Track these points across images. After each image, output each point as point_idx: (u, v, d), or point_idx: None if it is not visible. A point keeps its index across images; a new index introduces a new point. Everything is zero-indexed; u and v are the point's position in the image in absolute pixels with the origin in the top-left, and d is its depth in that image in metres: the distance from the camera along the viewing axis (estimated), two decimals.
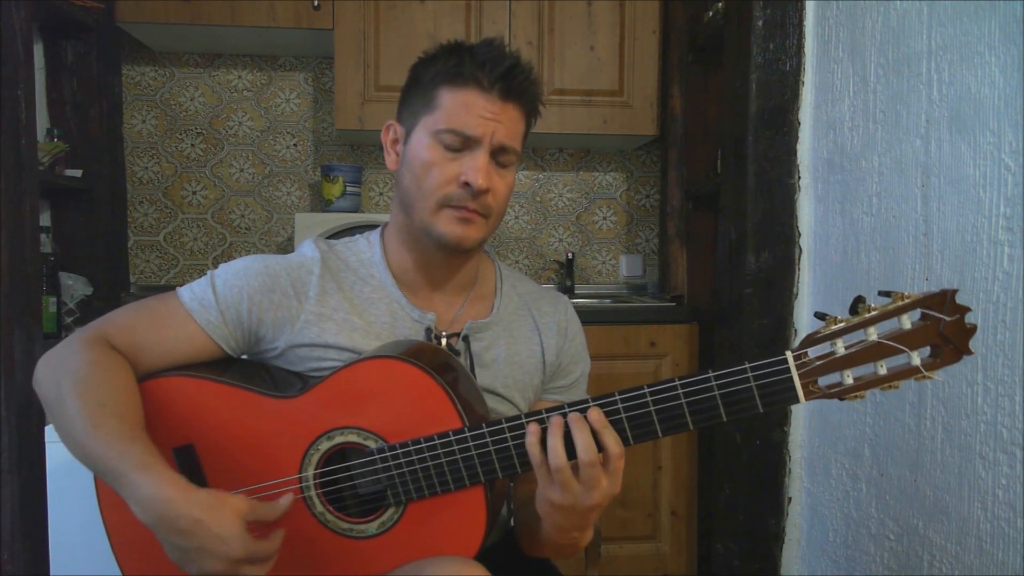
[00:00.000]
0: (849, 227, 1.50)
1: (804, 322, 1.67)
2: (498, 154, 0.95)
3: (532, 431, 0.83)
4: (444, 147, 0.94)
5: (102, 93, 2.22)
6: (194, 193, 2.52)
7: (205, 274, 0.99)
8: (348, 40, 2.23)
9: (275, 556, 0.83)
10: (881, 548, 1.40)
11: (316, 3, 2.17)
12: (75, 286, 2.00)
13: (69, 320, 1.99)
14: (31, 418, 1.61)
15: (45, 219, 2.13)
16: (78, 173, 2.11)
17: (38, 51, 2.11)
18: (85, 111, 2.18)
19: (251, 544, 0.79)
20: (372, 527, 0.90)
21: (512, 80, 0.94)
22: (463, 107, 0.93)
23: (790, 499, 1.70)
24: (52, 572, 1.44)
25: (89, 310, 2.02)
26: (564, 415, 0.83)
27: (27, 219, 1.60)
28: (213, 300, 0.95)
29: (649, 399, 0.82)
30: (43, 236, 1.94)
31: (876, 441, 1.42)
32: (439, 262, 1.01)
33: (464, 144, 0.94)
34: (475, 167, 0.93)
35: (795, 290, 1.66)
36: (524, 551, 1.02)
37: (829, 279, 1.58)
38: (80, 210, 2.16)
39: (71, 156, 2.12)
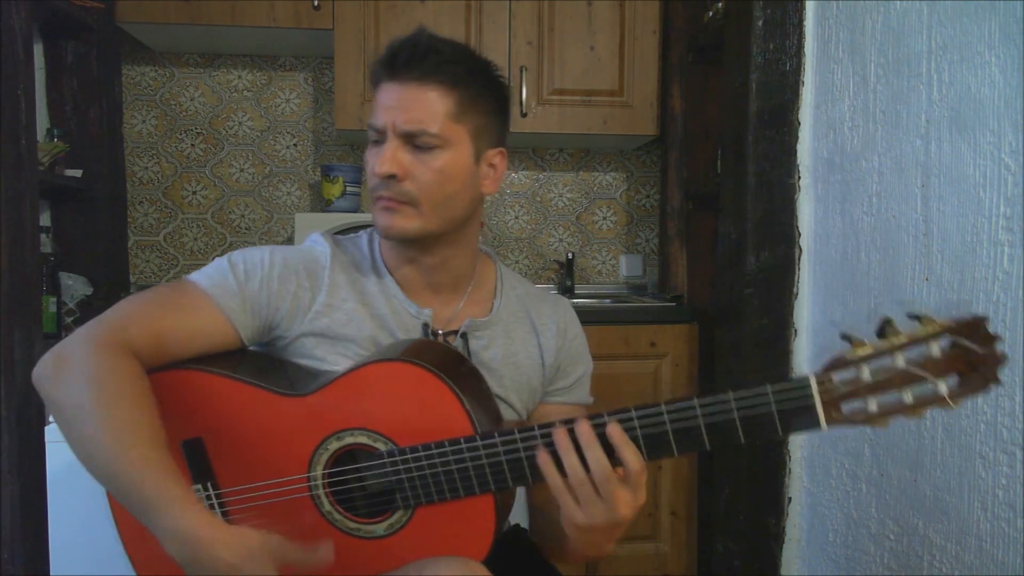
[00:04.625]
0: (849, 227, 1.50)
1: (804, 322, 1.67)
2: (412, 139, 0.94)
3: (544, 461, 0.82)
4: (372, 145, 0.97)
5: (102, 93, 2.22)
6: (194, 193, 2.52)
7: (213, 261, 0.99)
8: (348, 40, 2.22)
9: None
10: (881, 548, 1.40)
11: (316, 3, 2.17)
12: (75, 286, 2.00)
13: (69, 320, 1.99)
14: (31, 418, 1.60)
15: (45, 219, 2.13)
16: (78, 173, 2.11)
17: (38, 51, 2.11)
18: (85, 111, 2.18)
19: None
20: (380, 528, 0.89)
21: (396, 61, 0.94)
22: (376, 105, 0.96)
23: (790, 499, 1.70)
24: (52, 572, 1.44)
25: (89, 310, 2.02)
26: (571, 430, 0.82)
27: (27, 219, 1.60)
28: (235, 286, 0.95)
29: (666, 418, 0.80)
30: (43, 236, 1.94)
31: (876, 441, 1.42)
32: (411, 255, 1.01)
33: (380, 138, 0.96)
34: (379, 156, 0.94)
35: (795, 290, 1.66)
36: (546, 559, 1.04)
37: (829, 279, 1.58)
38: (80, 210, 2.16)
39: (71, 156, 2.11)
